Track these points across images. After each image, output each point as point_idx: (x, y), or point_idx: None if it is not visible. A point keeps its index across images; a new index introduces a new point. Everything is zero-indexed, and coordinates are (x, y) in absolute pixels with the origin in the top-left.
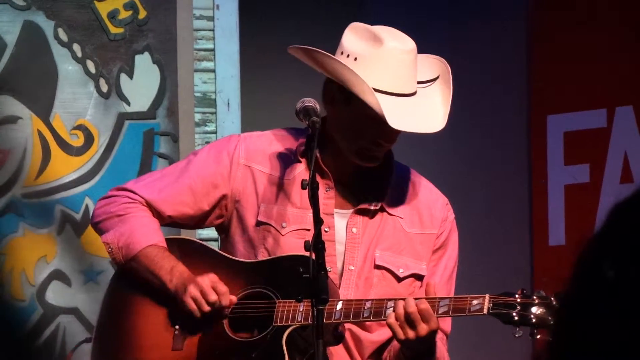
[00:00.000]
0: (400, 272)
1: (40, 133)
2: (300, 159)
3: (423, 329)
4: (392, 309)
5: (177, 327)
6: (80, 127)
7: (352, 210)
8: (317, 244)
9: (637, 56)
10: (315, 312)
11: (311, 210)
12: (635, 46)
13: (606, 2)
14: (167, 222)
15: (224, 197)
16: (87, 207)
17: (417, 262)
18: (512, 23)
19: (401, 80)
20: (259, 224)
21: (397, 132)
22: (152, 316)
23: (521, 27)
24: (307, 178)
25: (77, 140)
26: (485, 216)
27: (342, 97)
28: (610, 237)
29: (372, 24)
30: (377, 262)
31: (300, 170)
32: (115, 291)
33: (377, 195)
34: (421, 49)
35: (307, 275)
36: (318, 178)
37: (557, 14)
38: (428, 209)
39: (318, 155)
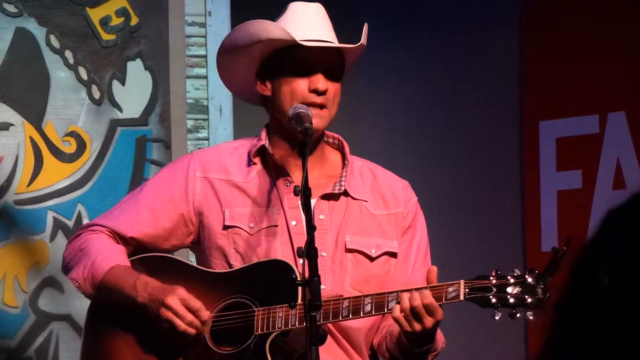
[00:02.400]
0: (373, 252)
1: (32, 140)
2: (254, 160)
3: (429, 321)
4: (394, 301)
5: (158, 347)
6: (72, 134)
7: (316, 198)
8: (310, 251)
9: (629, 62)
10: (308, 318)
11: (277, 208)
12: (627, 52)
13: (599, 9)
14: (132, 245)
15: (185, 213)
16: (79, 213)
17: (388, 241)
18: (504, 29)
19: (308, 27)
20: (226, 227)
21: (325, 76)
22: (132, 339)
23: (513, 33)
24: (267, 177)
25: (70, 147)
26: (478, 222)
27: (268, 72)
28: (605, 244)
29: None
30: (348, 246)
31: (258, 170)
32: (92, 323)
33: (338, 181)
34: (414, 54)
35: (299, 282)
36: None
37: (549, 20)
38: (390, 190)
39: (271, 152)
